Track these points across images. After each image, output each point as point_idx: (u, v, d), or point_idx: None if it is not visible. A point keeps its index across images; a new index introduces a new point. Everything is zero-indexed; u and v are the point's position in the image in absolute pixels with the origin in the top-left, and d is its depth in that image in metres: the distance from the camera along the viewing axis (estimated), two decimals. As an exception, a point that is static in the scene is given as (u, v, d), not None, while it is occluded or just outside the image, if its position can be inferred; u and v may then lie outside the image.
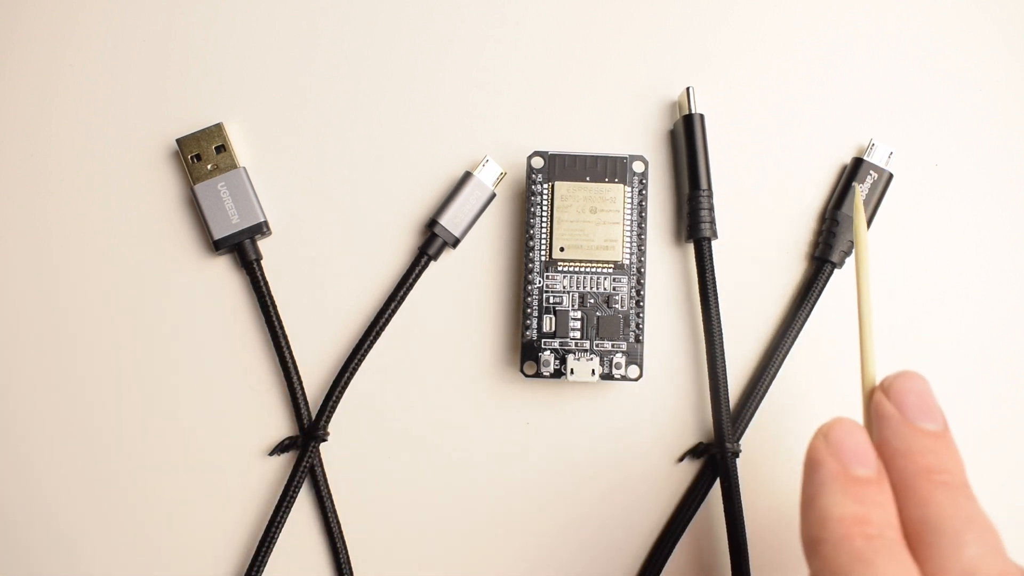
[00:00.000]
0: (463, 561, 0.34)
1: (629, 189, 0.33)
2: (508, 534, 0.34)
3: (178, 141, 0.34)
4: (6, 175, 0.35)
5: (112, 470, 0.34)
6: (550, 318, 0.32)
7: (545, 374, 0.32)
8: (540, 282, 0.33)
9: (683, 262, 0.35)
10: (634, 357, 0.32)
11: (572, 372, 0.32)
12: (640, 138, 0.35)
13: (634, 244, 0.33)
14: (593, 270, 0.33)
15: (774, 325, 0.34)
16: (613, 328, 0.32)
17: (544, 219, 0.33)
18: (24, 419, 0.34)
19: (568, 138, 0.35)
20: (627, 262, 0.33)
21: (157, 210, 0.35)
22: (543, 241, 0.33)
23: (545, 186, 0.33)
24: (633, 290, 0.33)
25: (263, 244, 0.35)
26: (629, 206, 0.33)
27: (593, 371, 0.32)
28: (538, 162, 0.33)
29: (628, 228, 0.33)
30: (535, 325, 0.33)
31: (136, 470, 0.34)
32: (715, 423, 0.33)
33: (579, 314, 0.33)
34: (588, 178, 0.33)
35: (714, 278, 0.33)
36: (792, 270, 0.35)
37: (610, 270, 0.33)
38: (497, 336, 0.34)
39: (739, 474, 0.33)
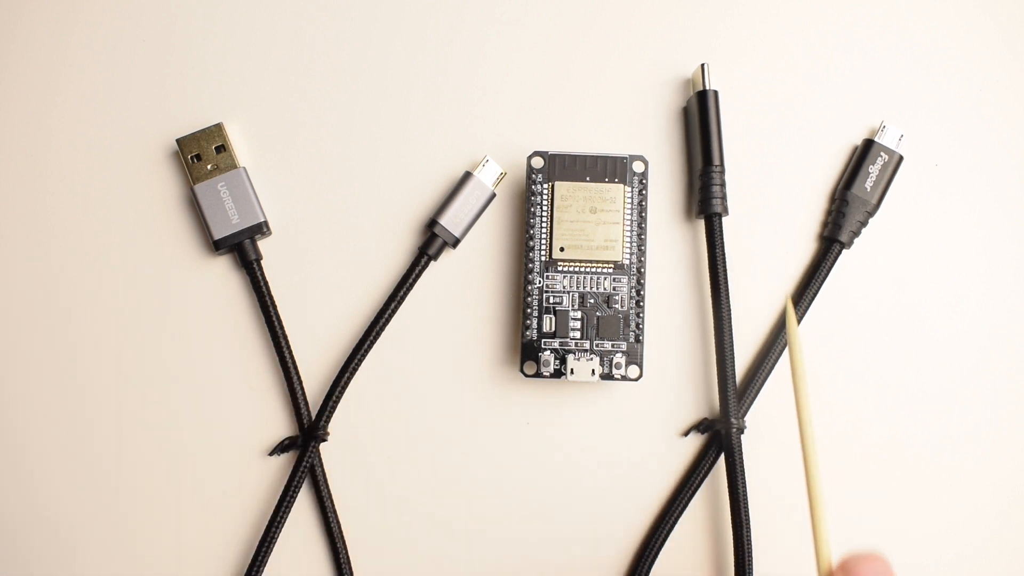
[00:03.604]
0: (463, 560, 0.34)
1: (629, 189, 0.33)
2: (508, 533, 0.34)
3: (178, 141, 0.34)
4: (6, 175, 0.35)
5: (112, 470, 0.34)
6: (550, 318, 0.32)
7: (545, 374, 0.32)
8: (540, 282, 0.33)
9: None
10: (634, 357, 0.32)
11: (572, 372, 0.32)
12: (641, 137, 0.35)
13: (634, 244, 0.33)
14: (593, 270, 0.33)
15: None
16: (613, 328, 0.32)
17: (544, 219, 0.33)
18: (24, 418, 0.34)
19: (568, 138, 0.35)
20: (627, 262, 0.33)
21: (157, 210, 0.35)
22: (543, 241, 0.33)
23: (545, 186, 0.33)
24: (633, 290, 0.33)
25: (263, 244, 0.35)
26: (629, 206, 0.33)
27: (593, 371, 0.32)
28: (538, 162, 0.33)
29: (628, 228, 0.33)
30: (535, 325, 0.33)
31: (136, 470, 0.34)
32: (721, 399, 0.33)
33: (579, 314, 0.33)
34: (588, 178, 0.33)
35: (724, 254, 0.33)
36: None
37: (610, 270, 0.33)
38: (497, 336, 0.34)
39: (744, 451, 0.33)
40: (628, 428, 0.34)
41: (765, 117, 0.35)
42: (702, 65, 0.34)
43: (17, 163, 0.35)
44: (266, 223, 0.34)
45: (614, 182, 0.33)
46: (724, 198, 0.33)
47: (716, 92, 0.34)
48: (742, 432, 0.33)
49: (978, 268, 0.35)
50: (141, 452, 0.34)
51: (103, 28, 0.35)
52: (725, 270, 0.33)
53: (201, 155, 0.34)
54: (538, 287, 0.33)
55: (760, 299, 0.34)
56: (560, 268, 0.33)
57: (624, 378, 0.32)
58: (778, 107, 0.35)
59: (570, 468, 0.34)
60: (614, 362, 0.32)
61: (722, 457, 0.33)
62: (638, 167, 0.33)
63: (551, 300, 0.33)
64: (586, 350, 0.32)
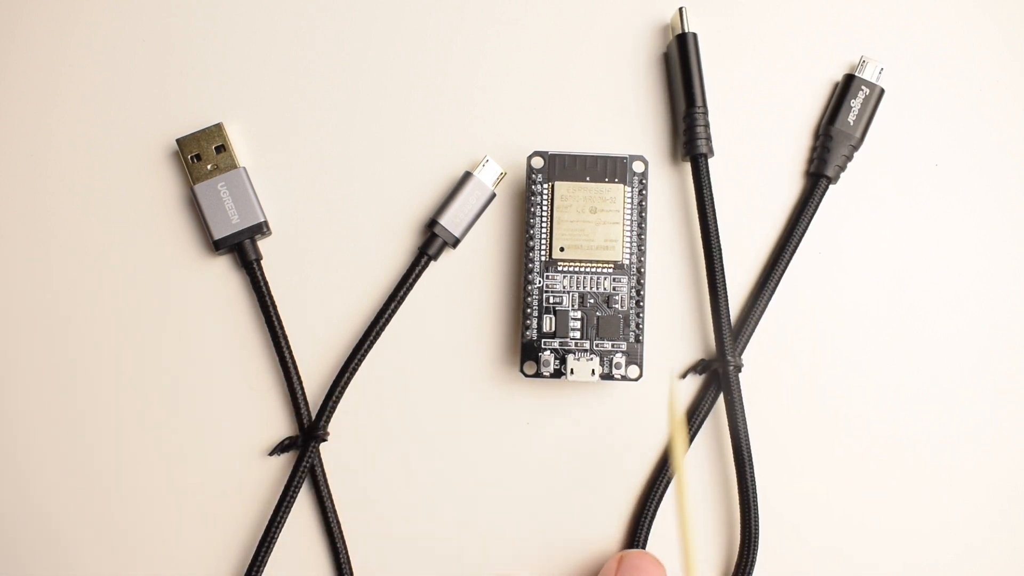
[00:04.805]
0: (463, 561, 0.34)
1: (629, 189, 0.33)
2: (508, 533, 0.34)
3: (178, 141, 0.34)
4: (6, 175, 0.35)
5: (111, 470, 0.34)
6: (550, 318, 0.32)
7: (545, 374, 0.32)
8: (540, 282, 0.33)
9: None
10: (634, 357, 0.32)
11: (572, 372, 0.32)
12: (641, 137, 0.35)
13: (634, 244, 0.33)
14: (593, 270, 0.33)
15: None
16: (613, 328, 0.32)
17: (544, 219, 0.33)
18: (23, 419, 0.34)
19: (568, 138, 0.35)
20: (627, 262, 0.33)
21: (157, 210, 0.35)
22: (543, 241, 0.33)
23: (545, 186, 0.33)
24: (633, 290, 0.33)
25: (263, 244, 0.35)
26: (629, 206, 0.33)
27: (593, 371, 0.32)
28: (538, 162, 0.33)
29: (628, 228, 0.33)
30: (535, 325, 0.33)
31: (136, 470, 0.34)
32: (716, 337, 0.33)
33: (579, 314, 0.33)
34: (588, 178, 0.33)
35: (711, 194, 0.34)
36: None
37: (610, 270, 0.33)
38: (497, 336, 0.34)
39: (742, 389, 0.33)
40: (628, 429, 0.34)
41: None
42: (680, 9, 0.34)
43: (17, 163, 0.35)
44: (266, 223, 0.34)
45: (614, 182, 0.33)
46: (709, 139, 0.34)
47: (695, 34, 0.34)
48: (739, 370, 0.33)
49: (978, 268, 0.35)
50: (140, 452, 0.34)
51: (103, 28, 0.35)
52: (714, 209, 0.34)
53: (201, 155, 0.34)
54: (538, 287, 0.33)
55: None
56: (560, 268, 0.33)
57: (624, 378, 0.32)
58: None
59: (570, 468, 0.34)
60: (614, 362, 0.32)
61: (721, 397, 0.34)
62: (638, 167, 0.33)
63: (551, 300, 0.33)
64: (586, 350, 0.32)
